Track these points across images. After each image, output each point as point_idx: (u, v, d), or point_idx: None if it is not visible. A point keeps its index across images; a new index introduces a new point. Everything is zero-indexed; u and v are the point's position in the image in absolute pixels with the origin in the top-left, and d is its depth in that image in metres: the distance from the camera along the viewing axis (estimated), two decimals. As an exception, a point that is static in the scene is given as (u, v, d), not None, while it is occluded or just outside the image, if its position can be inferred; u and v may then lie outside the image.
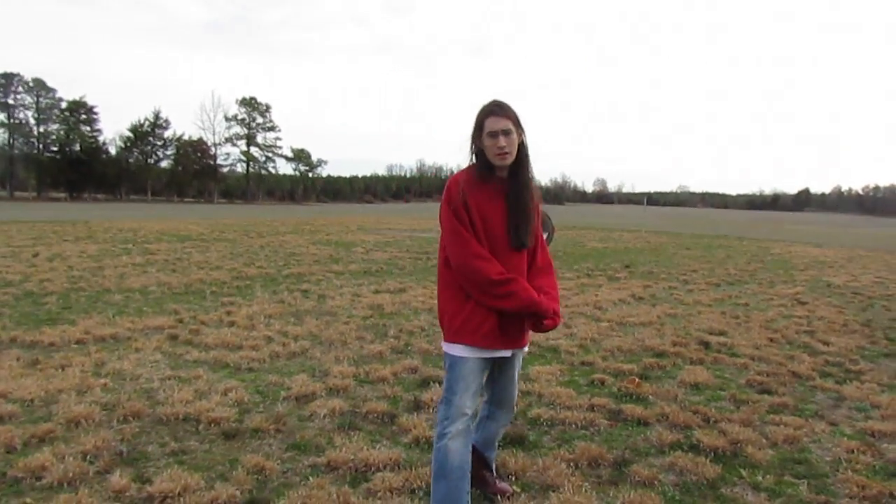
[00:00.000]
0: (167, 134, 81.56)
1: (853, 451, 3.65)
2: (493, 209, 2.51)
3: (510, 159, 2.50)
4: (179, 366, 5.06)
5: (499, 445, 3.57)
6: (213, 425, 3.77)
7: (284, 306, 7.72)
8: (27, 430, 3.56)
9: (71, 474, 3.04)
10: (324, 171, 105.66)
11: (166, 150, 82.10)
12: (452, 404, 2.54)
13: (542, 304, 2.53)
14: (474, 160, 2.58)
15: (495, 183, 2.54)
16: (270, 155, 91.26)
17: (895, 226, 53.12)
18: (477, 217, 2.47)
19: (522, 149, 2.54)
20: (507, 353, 2.62)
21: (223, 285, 9.38)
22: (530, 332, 2.67)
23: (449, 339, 2.58)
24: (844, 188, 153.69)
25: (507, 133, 2.46)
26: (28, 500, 2.85)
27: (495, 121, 2.46)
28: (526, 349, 2.76)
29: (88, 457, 3.28)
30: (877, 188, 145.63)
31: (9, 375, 4.63)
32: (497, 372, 2.74)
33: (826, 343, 6.51)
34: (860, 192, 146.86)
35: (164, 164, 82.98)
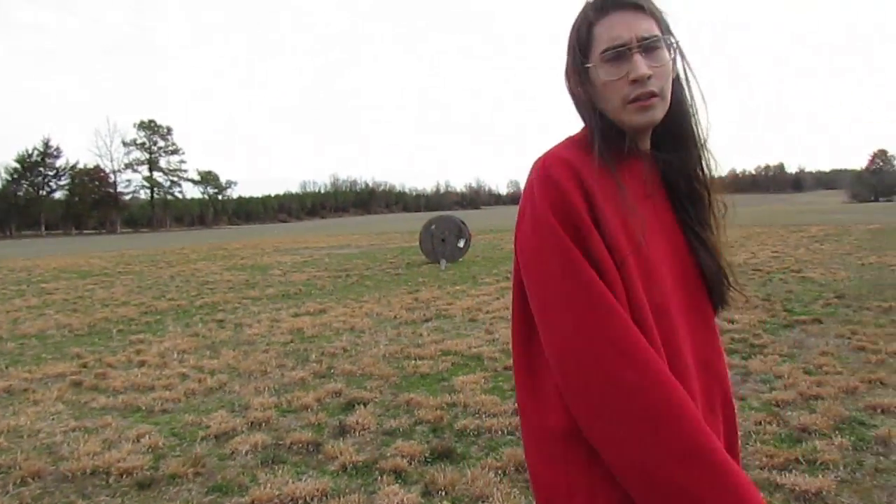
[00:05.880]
0: (59, 163, 77.34)
1: (760, 423, 3.86)
2: (651, 219, 1.09)
3: (660, 111, 1.08)
4: (85, 415, 4.76)
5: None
6: (125, 476, 3.56)
7: (199, 339, 7.43)
8: (-88, 509, 3.26)
9: (-35, 552, 2.80)
10: (234, 193, 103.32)
11: (59, 180, 77.84)
12: None
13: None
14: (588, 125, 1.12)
15: (640, 167, 1.12)
16: (175, 179, 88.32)
17: (787, 200, 56.95)
18: (624, 242, 1.02)
19: (679, 86, 1.13)
20: None
21: (131, 322, 8.93)
22: None
23: None
24: (739, 170, 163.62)
25: (650, 47, 1.05)
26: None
27: (623, 20, 1.05)
28: None
29: (-15, 529, 3.03)
30: (767, 167, 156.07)
31: None
32: None
33: (731, 321, 6.86)
34: (753, 172, 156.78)
35: (58, 195, 78.61)
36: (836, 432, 3.66)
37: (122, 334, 8.02)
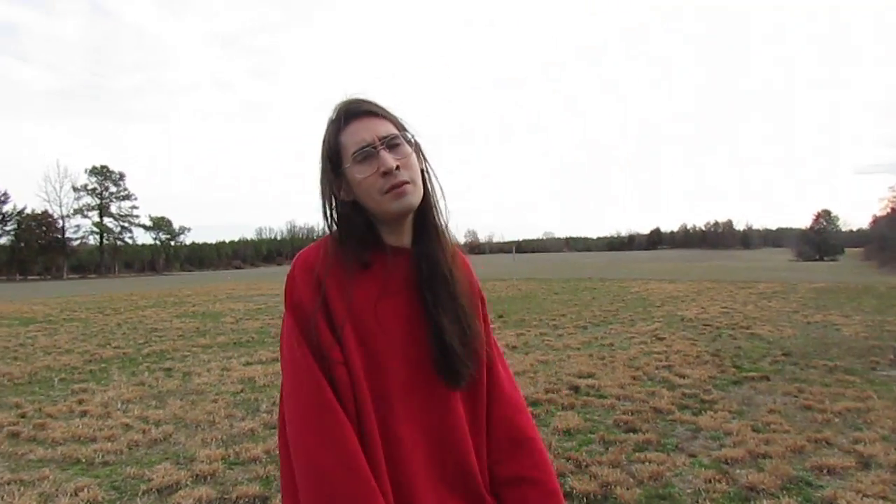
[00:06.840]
0: (6, 208, 74.89)
1: (710, 481, 3.89)
2: (388, 315, 1.21)
3: (415, 196, 1.23)
4: (21, 467, 4.53)
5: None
6: (60, 534, 3.39)
7: (145, 388, 7.18)
8: None
9: None
10: (187, 239, 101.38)
11: (5, 225, 75.17)
12: None
13: None
14: (334, 227, 1.28)
15: (383, 261, 1.24)
16: (126, 225, 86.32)
17: (735, 257, 58.79)
18: (351, 337, 1.16)
19: (425, 177, 1.29)
20: None
21: (74, 371, 8.58)
22: None
23: None
24: (689, 225, 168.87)
25: (392, 144, 1.23)
26: None
27: (363, 126, 1.22)
28: None
29: None
30: (717, 224, 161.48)
31: None
32: None
33: (682, 376, 6.98)
34: (703, 228, 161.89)
35: (3, 240, 75.84)
36: (784, 492, 3.70)
37: (65, 383, 7.70)
